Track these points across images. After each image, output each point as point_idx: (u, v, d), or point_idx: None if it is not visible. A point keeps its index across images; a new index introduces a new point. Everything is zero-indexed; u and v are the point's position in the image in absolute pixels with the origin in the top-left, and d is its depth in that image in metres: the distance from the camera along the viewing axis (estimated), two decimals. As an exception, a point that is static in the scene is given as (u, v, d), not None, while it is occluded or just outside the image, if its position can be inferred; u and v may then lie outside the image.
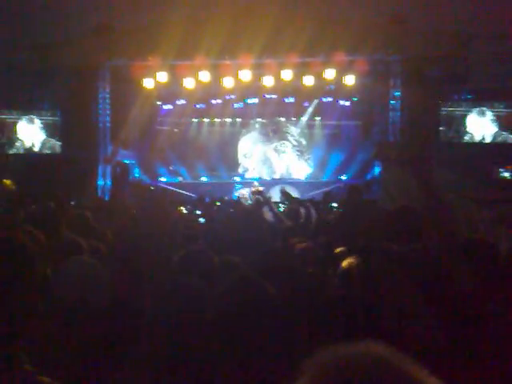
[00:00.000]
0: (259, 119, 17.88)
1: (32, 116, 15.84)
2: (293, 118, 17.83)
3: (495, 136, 14.89)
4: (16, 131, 15.85)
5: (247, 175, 17.82)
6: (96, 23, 13.92)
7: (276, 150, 18.03)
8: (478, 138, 14.98)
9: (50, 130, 15.87)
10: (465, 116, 15.07)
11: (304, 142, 17.95)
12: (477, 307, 2.13)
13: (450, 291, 2.16)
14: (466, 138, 15.08)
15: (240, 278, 1.93)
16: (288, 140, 18.01)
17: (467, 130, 14.98)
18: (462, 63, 13.84)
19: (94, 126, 15.51)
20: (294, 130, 17.98)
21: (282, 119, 17.92)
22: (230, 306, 1.84)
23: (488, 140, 14.88)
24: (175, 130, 17.81)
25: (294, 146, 17.99)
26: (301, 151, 17.96)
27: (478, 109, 14.98)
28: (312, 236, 4.17)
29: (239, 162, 18.09)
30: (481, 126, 14.98)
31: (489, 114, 14.93)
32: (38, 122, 15.87)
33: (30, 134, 15.88)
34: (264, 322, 1.78)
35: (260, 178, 17.28)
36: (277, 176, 17.70)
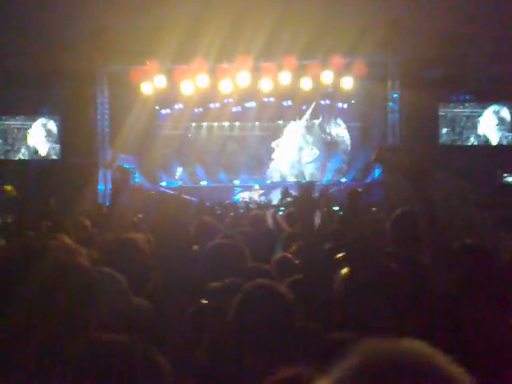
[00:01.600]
0: (280, 121, 17.77)
1: (37, 121, 15.95)
2: (292, 121, 17.78)
3: (502, 138, 14.95)
4: (21, 137, 15.97)
5: (260, 177, 17.73)
6: (93, 28, 13.93)
7: (291, 153, 17.92)
8: (483, 139, 15.02)
9: (54, 135, 15.99)
10: (467, 117, 15.11)
11: (319, 146, 17.83)
12: (466, 312, 2.13)
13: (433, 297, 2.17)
14: (472, 139, 15.11)
15: (259, 285, 1.92)
16: (303, 143, 17.91)
17: (474, 131, 15.04)
18: (460, 64, 13.86)
19: (93, 131, 15.54)
20: (309, 133, 17.86)
21: (296, 122, 17.81)
22: (248, 313, 1.85)
23: (494, 142, 14.91)
24: (189, 134, 17.80)
25: (308, 148, 17.88)
26: (315, 154, 17.84)
27: (483, 109, 15.03)
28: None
29: (252, 165, 17.97)
30: (487, 126, 15.04)
31: (495, 115, 14.99)
32: (42, 127, 15.98)
33: (35, 139, 16.01)
34: (282, 328, 1.79)
35: (260, 182, 17.26)
36: (292, 179, 17.59)
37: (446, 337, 1.88)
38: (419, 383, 0.79)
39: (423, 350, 0.83)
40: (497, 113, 15.01)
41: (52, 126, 16.12)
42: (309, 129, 17.79)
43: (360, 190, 6.58)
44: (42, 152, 16.08)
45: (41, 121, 16.11)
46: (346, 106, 17.04)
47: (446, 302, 2.14)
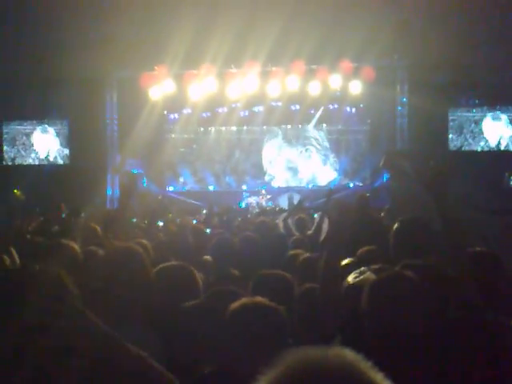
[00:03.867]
0: (285, 126, 17.72)
1: (46, 126, 16.05)
2: (299, 126, 17.74)
3: (509, 142, 14.88)
4: (29, 142, 16.09)
5: (273, 183, 17.72)
6: (102, 34, 13.99)
7: (301, 155, 17.87)
8: (493, 143, 14.92)
9: (63, 140, 16.11)
10: (476, 121, 15.03)
11: (328, 147, 17.77)
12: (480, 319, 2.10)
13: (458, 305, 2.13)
14: (481, 143, 15.02)
15: (249, 304, 1.94)
16: (312, 145, 17.85)
17: (483, 135, 14.95)
18: (469, 69, 13.78)
19: (102, 135, 15.62)
20: (317, 135, 17.82)
21: (304, 126, 17.75)
22: (238, 330, 1.86)
23: (504, 144, 14.82)
24: (196, 139, 17.81)
25: (318, 150, 17.82)
26: (326, 156, 17.79)
27: (492, 113, 14.92)
28: (320, 248, 4.12)
29: (264, 169, 17.96)
30: (496, 130, 14.95)
31: (504, 118, 14.90)
32: (52, 131, 16.08)
33: (45, 143, 16.11)
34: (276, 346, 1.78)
35: (266, 186, 17.23)
36: (303, 182, 17.53)
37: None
38: None
39: (347, 358, 0.86)
40: (499, 118, 14.94)
41: (61, 130, 16.21)
42: (318, 138, 17.76)
43: (368, 195, 6.56)
44: (51, 157, 16.17)
45: (50, 125, 16.20)
46: (354, 110, 16.99)
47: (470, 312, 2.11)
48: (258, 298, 1.98)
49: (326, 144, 17.72)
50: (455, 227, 2.41)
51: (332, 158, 17.66)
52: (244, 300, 1.96)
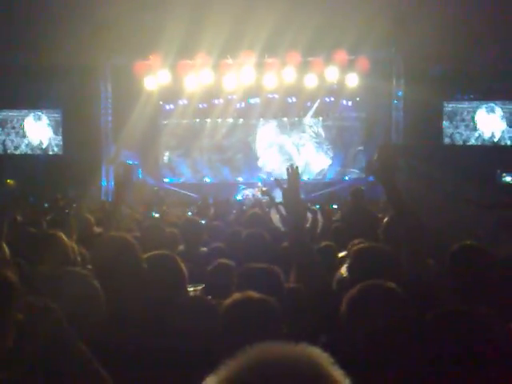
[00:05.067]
0: (284, 118, 17.66)
1: (39, 113, 15.94)
2: (295, 118, 17.68)
3: (505, 133, 14.91)
4: (22, 130, 15.99)
5: (266, 169, 17.64)
6: (96, 22, 13.86)
7: (295, 142, 17.81)
8: (487, 136, 14.96)
9: (56, 129, 16.02)
10: (469, 111, 15.06)
11: (323, 135, 17.72)
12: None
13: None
14: (476, 134, 15.06)
15: (243, 297, 1.96)
16: (306, 132, 17.77)
17: (477, 126, 14.98)
18: (465, 61, 13.77)
19: (96, 125, 15.49)
20: (312, 123, 17.73)
21: (300, 118, 17.67)
22: (233, 325, 1.89)
23: (497, 137, 14.87)
24: (192, 130, 17.73)
25: (312, 137, 17.73)
26: (319, 143, 17.72)
27: (486, 105, 14.94)
28: (317, 241, 4.11)
29: (258, 155, 17.91)
30: (490, 123, 14.99)
31: (498, 111, 14.93)
32: (45, 119, 15.97)
33: (37, 131, 16.02)
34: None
35: (262, 179, 17.18)
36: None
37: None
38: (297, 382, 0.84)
39: (307, 352, 0.88)
40: (493, 110, 14.97)
41: (54, 119, 16.11)
42: (312, 126, 17.70)
43: (363, 188, 6.54)
44: (44, 145, 16.08)
45: (42, 114, 16.09)
46: (350, 103, 16.94)
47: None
48: (249, 292, 2.00)
49: (321, 132, 17.66)
50: (408, 219, 2.44)
51: (326, 146, 17.61)
52: (236, 295, 1.99)
